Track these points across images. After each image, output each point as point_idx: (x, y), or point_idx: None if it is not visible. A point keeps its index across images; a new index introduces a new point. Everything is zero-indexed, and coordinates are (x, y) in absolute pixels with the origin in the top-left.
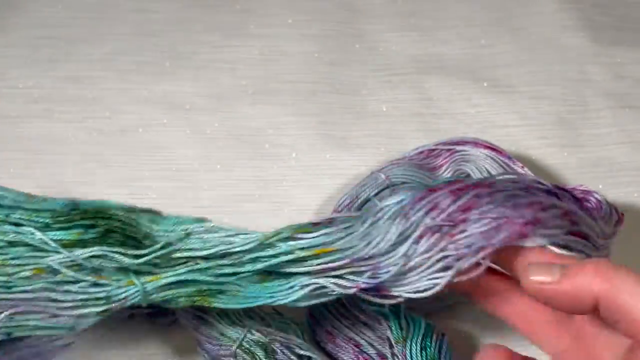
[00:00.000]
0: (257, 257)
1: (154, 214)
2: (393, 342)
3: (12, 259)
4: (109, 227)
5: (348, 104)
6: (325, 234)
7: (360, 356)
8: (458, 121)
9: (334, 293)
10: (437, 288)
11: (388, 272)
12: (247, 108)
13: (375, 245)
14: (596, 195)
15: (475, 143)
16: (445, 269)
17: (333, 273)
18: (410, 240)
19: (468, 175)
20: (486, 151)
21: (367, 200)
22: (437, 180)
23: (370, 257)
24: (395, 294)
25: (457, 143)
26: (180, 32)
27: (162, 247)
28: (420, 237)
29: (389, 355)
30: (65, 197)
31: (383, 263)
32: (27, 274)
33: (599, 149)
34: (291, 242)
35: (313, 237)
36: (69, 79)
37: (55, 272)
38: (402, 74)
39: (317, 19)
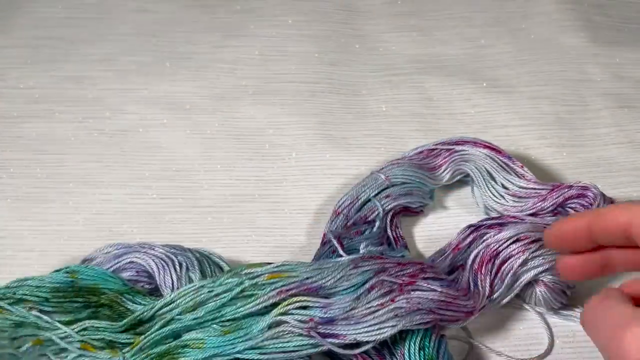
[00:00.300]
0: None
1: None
2: (390, 342)
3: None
4: (99, 304)
5: (348, 104)
6: (277, 265)
7: (359, 355)
8: (458, 121)
9: (297, 334)
10: (386, 335)
11: (338, 308)
12: (247, 108)
13: (324, 277)
14: (593, 190)
15: (475, 142)
16: (396, 318)
17: (289, 307)
18: (362, 289)
19: (467, 175)
20: (485, 151)
21: (367, 201)
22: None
23: (321, 288)
24: (351, 338)
25: (457, 143)
26: (180, 32)
27: (137, 316)
28: (372, 287)
29: (387, 355)
30: (68, 267)
31: (333, 298)
32: (29, 345)
33: (598, 148)
34: (241, 276)
35: (263, 268)
36: (69, 79)
37: (51, 342)
38: (402, 74)
39: (317, 20)
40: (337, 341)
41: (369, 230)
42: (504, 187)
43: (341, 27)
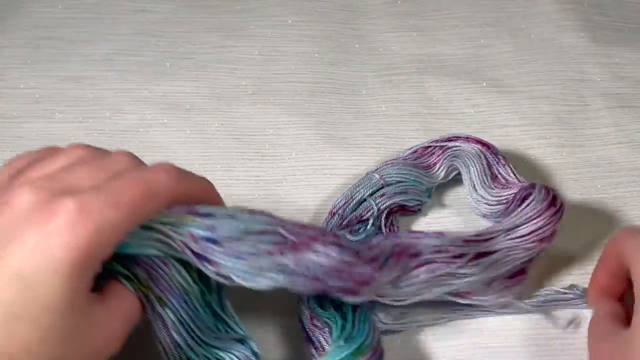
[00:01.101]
0: None
1: None
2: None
3: None
4: None
5: (348, 104)
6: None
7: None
8: (458, 121)
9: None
10: (261, 286)
11: (223, 230)
12: (247, 108)
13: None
14: (537, 187)
15: (467, 138)
16: (278, 273)
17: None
18: (253, 228)
19: (459, 171)
20: (477, 146)
21: (362, 201)
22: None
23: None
24: (225, 272)
25: (450, 139)
26: (180, 32)
27: None
28: (263, 232)
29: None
30: None
31: (218, 221)
32: None
33: (598, 148)
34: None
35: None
36: (69, 79)
37: None
38: (402, 74)
39: (316, 20)
40: (211, 268)
41: (362, 228)
42: (485, 186)
43: (341, 27)
